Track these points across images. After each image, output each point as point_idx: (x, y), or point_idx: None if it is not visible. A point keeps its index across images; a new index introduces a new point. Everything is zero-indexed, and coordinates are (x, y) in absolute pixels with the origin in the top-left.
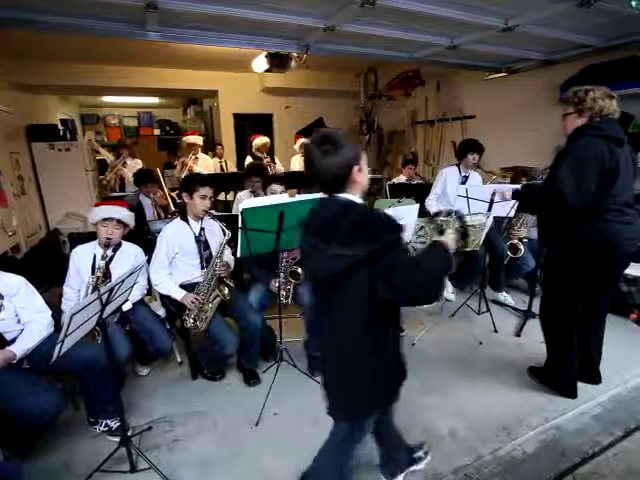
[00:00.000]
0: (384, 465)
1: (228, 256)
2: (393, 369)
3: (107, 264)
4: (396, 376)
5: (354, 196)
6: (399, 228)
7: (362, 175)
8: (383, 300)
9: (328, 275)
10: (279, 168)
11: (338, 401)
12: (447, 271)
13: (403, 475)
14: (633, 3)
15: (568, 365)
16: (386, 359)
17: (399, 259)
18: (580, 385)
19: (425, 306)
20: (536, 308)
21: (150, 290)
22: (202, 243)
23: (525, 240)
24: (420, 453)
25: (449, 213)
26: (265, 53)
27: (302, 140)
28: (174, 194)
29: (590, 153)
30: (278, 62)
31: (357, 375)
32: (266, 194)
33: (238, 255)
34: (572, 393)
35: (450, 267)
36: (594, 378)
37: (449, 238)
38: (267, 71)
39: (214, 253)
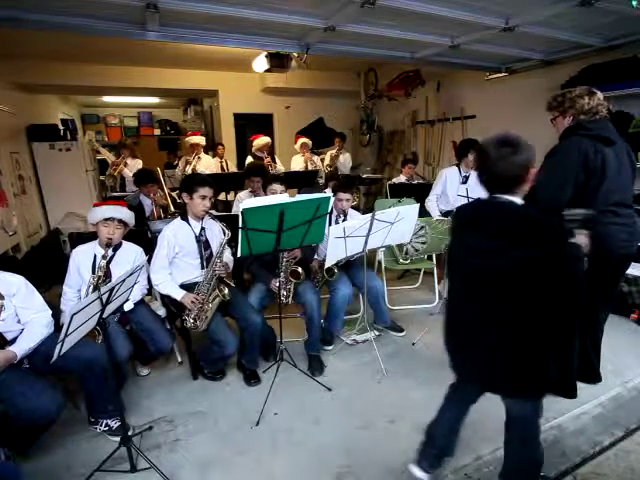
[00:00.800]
0: (429, 455)
1: (227, 256)
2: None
3: (107, 264)
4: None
5: (517, 198)
6: (569, 234)
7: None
8: (554, 298)
9: (497, 271)
10: (279, 168)
11: (534, 381)
12: None
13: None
14: (634, 3)
15: (568, 365)
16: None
17: (572, 263)
18: (580, 385)
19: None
20: None
21: (150, 290)
22: (202, 243)
23: None
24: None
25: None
26: (265, 53)
27: (302, 140)
28: (174, 194)
29: (573, 152)
30: (278, 62)
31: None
32: (266, 194)
33: (238, 255)
34: (572, 393)
35: None
36: (593, 378)
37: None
38: (267, 71)
39: (214, 253)
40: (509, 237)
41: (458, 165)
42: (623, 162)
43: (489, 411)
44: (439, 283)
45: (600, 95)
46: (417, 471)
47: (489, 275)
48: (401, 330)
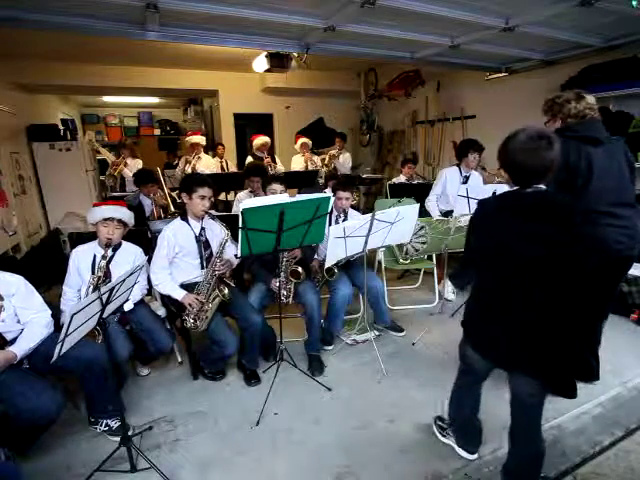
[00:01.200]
0: (467, 439)
1: (230, 254)
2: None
3: (107, 264)
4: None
5: (542, 186)
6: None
7: None
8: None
9: (532, 254)
10: (279, 168)
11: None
12: None
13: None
14: (634, 3)
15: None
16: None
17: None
18: (580, 385)
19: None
20: None
21: (150, 290)
22: (202, 243)
23: None
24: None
25: None
26: (265, 53)
27: (302, 140)
28: (174, 194)
29: (562, 155)
30: (278, 62)
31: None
32: (266, 194)
33: (238, 255)
34: (572, 393)
35: None
36: (592, 378)
37: None
38: (267, 71)
39: (214, 253)
40: (542, 221)
41: (458, 165)
42: (620, 162)
43: (489, 411)
44: (439, 283)
45: (590, 99)
46: (465, 454)
47: (524, 260)
48: (401, 330)
